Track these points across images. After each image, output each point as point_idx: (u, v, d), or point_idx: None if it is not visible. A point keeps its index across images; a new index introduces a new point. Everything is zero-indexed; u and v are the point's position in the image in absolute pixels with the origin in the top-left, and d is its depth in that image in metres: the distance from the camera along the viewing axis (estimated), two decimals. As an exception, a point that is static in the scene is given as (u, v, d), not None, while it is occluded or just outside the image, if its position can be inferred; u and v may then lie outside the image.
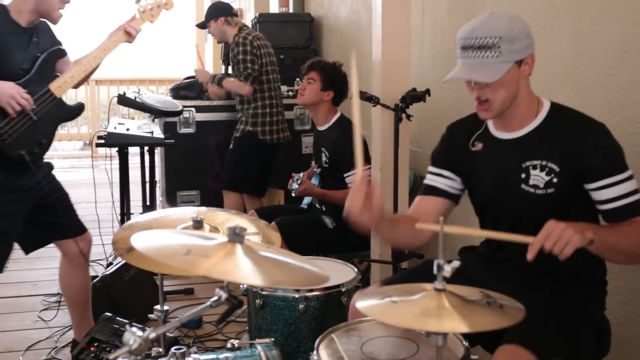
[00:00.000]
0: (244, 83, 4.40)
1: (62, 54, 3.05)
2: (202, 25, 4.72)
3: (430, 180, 2.23)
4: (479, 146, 2.10)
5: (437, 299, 1.56)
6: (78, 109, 3.13)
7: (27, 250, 3.10)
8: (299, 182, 3.68)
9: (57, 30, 3.07)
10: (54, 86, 2.90)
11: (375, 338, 1.91)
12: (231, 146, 4.64)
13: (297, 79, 5.26)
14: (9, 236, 2.91)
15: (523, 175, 1.98)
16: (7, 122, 2.75)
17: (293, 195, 3.74)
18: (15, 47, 2.82)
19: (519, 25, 1.92)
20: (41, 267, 4.61)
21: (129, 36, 3.13)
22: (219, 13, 4.53)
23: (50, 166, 3.09)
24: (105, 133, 4.00)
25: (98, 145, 4.04)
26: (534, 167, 1.96)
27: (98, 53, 3.05)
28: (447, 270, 1.58)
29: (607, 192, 1.88)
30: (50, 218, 3.03)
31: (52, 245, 3.13)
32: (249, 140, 4.51)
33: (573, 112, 2.00)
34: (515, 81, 1.93)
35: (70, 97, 9.86)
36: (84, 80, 3.10)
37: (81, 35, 3.27)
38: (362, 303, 1.62)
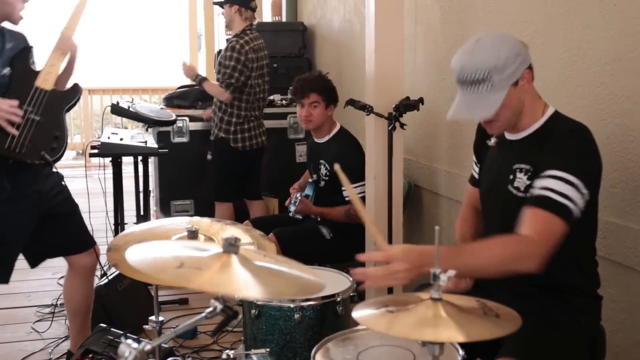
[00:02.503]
0: (224, 90, 4.38)
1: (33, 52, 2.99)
2: (218, 4, 4.66)
3: (473, 169, 2.36)
4: (493, 141, 2.16)
5: (433, 308, 1.56)
6: (75, 90, 3.06)
7: (33, 263, 3.08)
8: (296, 203, 3.68)
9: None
10: (39, 81, 2.86)
11: (372, 347, 1.91)
12: (209, 156, 4.63)
13: (284, 98, 5.27)
14: (13, 246, 2.89)
15: (511, 177, 2.02)
16: (15, 136, 2.73)
17: (290, 215, 3.73)
18: None
19: (506, 50, 1.93)
20: (34, 278, 4.59)
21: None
22: (237, 1, 4.45)
23: (60, 176, 3.06)
24: (99, 143, 3.99)
25: (91, 155, 4.02)
26: (520, 170, 2.00)
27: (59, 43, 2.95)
28: (443, 279, 1.58)
29: (538, 181, 1.87)
30: (58, 233, 3.02)
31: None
32: (222, 146, 4.51)
33: (566, 121, 2.00)
34: (517, 99, 1.96)
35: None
36: (65, 77, 3.03)
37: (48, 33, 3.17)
38: (358, 313, 1.62)
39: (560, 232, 1.81)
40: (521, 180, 1.98)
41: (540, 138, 1.98)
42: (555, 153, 1.89)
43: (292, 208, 3.70)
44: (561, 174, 1.83)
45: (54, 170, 3.01)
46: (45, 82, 2.88)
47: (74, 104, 3.08)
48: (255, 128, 4.56)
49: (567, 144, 1.90)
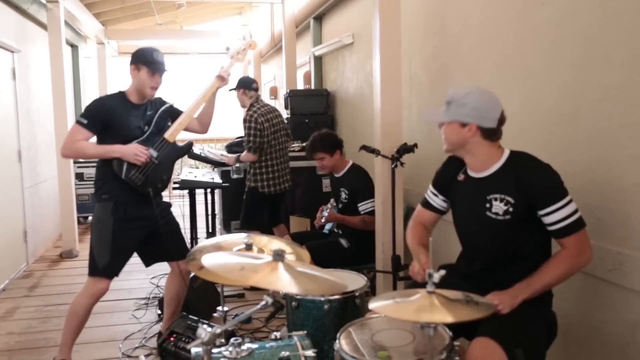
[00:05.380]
0: (250, 153, 4.25)
1: (176, 111, 3.04)
2: (233, 89, 4.63)
3: (429, 197, 2.28)
4: (461, 177, 2.11)
5: (429, 299, 1.55)
6: (188, 146, 3.09)
7: (147, 264, 3.10)
8: (327, 211, 3.69)
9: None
10: (167, 134, 2.92)
11: (382, 330, 1.90)
12: (244, 197, 4.46)
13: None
14: (126, 254, 2.92)
15: (487, 205, 1.97)
16: (137, 170, 2.81)
17: (322, 222, 3.71)
18: (130, 117, 2.83)
19: (474, 100, 1.94)
20: (133, 279, 4.64)
21: (222, 80, 3.08)
22: (241, 85, 4.43)
23: (168, 205, 3.08)
24: (179, 179, 4.05)
25: (174, 188, 4.09)
26: (495, 199, 1.95)
27: (198, 99, 3.03)
28: (436, 277, 1.58)
29: (553, 216, 1.86)
30: (163, 245, 3.01)
31: (139, 261, 3.11)
32: (253, 193, 4.34)
33: (526, 156, 1.97)
34: (458, 135, 1.97)
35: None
36: (205, 119, 3.13)
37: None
38: (374, 303, 1.62)
39: (586, 233, 1.88)
40: (498, 206, 1.94)
41: (505, 174, 1.95)
42: (543, 191, 1.85)
43: (325, 213, 3.69)
44: (559, 204, 1.84)
45: (164, 200, 3.05)
46: (171, 136, 2.93)
47: (184, 155, 3.10)
48: (280, 177, 4.38)
49: (545, 181, 1.86)
